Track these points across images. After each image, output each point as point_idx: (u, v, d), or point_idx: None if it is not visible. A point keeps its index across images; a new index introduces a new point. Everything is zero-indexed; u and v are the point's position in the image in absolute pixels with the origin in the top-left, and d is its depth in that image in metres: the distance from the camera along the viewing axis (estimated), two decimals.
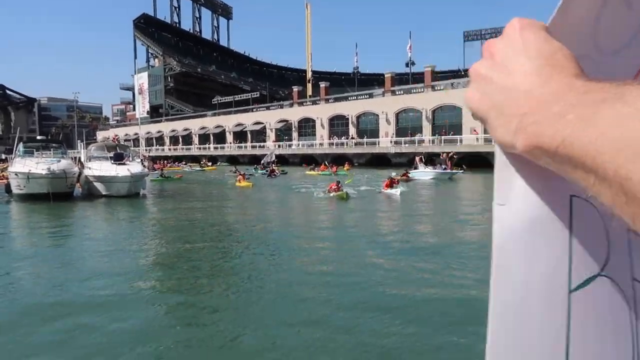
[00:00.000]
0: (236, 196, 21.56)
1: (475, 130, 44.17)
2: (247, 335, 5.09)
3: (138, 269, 8.08)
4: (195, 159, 69.47)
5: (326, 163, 43.23)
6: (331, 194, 18.55)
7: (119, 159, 22.06)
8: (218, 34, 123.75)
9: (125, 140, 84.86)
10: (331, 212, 14.83)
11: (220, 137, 76.44)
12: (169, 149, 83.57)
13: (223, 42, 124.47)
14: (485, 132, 29.26)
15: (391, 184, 19.87)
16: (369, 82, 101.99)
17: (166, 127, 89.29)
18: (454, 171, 30.71)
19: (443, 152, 36.43)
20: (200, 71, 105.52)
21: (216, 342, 4.94)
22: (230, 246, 9.85)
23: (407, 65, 76.27)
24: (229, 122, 75.28)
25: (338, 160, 49.69)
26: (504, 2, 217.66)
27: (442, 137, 45.40)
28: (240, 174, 29.35)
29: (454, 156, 35.17)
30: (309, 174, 36.58)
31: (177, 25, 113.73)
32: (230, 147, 70.91)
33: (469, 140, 43.77)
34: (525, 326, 0.33)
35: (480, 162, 39.51)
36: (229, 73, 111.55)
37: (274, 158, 44.66)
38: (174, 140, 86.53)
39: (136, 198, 20.17)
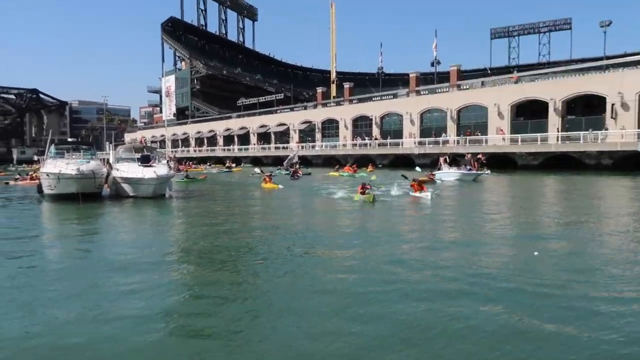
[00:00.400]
0: (261, 198, 21.72)
1: (502, 130, 43.49)
2: (261, 340, 5.16)
3: (163, 267, 8.25)
4: (220, 160, 70.33)
5: (350, 164, 43.19)
6: (358, 197, 17.87)
7: (145, 160, 22.44)
8: (243, 35, 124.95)
9: (152, 142, 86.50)
10: (357, 216, 14.37)
11: (244, 139, 77.20)
12: (194, 150, 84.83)
13: (248, 44, 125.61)
14: (513, 132, 28.79)
15: (420, 186, 19.01)
16: (393, 82, 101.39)
17: (192, 129, 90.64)
18: (479, 172, 30.28)
19: (468, 153, 35.97)
20: (226, 73, 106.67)
21: (233, 343, 5.02)
22: (254, 249, 9.93)
23: (432, 64, 75.67)
24: (253, 123, 75.95)
25: (361, 161, 49.60)
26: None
27: (467, 137, 44.81)
28: (265, 175, 29.32)
29: (482, 158, 34.79)
30: (332, 175, 36.58)
31: (204, 27, 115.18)
32: (254, 149, 71.52)
33: (495, 140, 43.11)
34: None
35: (505, 163, 38.86)
36: (253, 75, 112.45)
37: (297, 159, 44.86)
38: (199, 141, 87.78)
39: (162, 199, 20.53)
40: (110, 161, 25.49)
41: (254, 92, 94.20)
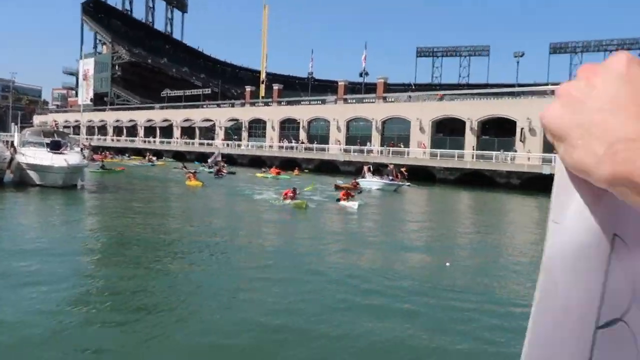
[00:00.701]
0: (183, 195, 20.92)
1: (423, 144, 45.35)
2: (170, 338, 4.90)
3: (66, 268, 7.62)
4: (139, 152, 67.14)
5: (275, 166, 42.98)
6: (287, 202, 17.57)
7: (56, 147, 20.87)
8: (171, 26, 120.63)
9: (64, 127, 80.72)
10: (287, 223, 14.00)
11: (167, 131, 74.29)
12: (112, 139, 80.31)
13: (176, 35, 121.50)
14: (433, 147, 29.95)
15: (347, 195, 19.10)
16: (322, 88, 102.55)
17: (110, 117, 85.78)
18: (399, 183, 31.38)
19: (390, 163, 37.14)
20: (151, 62, 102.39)
21: (140, 343, 4.72)
22: (165, 249, 9.48)
23: (360, 75, 77.35)
24: (177, 116, 73.38)
25: (287, 164, 49.56)
26: (453, 23, 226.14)
27: (391, 148, 46.27)
28: (190, 172, 28.24)
29: (404, 172, 36.12)
30: (258, 176, 36.18)
31: (129, 13, 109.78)
32: (177, 143, 69.09)
33: (416, 153, 44.88)
34: (555, 350, 0.34)
35: (424, 176, 40.64)
36: (180, 67, 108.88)
37: (219, 158, 43.85)
38: (118, 130, 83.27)
39: (73, 190, 19.18)
40: (15, 144, 23.38)
41: (180, 85, 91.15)
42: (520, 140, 40.36)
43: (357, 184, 28.69)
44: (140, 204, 16.88)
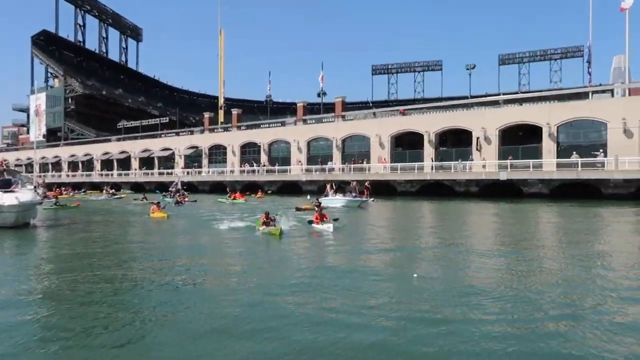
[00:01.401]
0: (146, 229, 20.03)
1: (384, 159, 45.99)
2: None
3: (15, 307, 7.25)
4: (96, 186, 65.31)
5: (239, 191, 42.56)
6: (261, 229, 16.30)
7: (6, 185, 20.08)
8: (126, 55, 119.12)
9: (16, 166, 77.79)
10: (259, 255, 12.73)
11: (124, 163, 72.65)
12: (67, 175, 77.86)
13: (131, 65, 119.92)
14: (393, 161, 30.47)
15: (322, 217, 17.74)
16: (281, 110, 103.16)
17: (64, 152, 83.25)
18: (363, 199, 31.62)
19: (353, 180, 37.44)
20: (106, 94, 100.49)
21: None
22: (125, 289, 9.07)
23: (318, 95, 78.21)
24: (135, 147, 71.97)
25: (249, 187, 49.27)
26: (406, 41, 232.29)
27: (352, 165, 46.74)
28: (154, 204, 26.70)
29: (368, 186, 36.83)
30: (221, 202, 35.67)
31: (82, 44, 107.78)
32: (136, 174, 67.63)
33: (377, 168, 45.45)
34: None
35: (386, 190, 41.16)
36: (136, 97, 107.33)
37: (179, 186, 43.14)
38: (73, 165, 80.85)
39: (25, 229, 18.39)
40: None
41: (137, 115, 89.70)
42: (477, 149, 41.51)
43: (319, 203, 28.56)
44: (96, 239, 16.23)
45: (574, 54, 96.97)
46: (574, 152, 35.91)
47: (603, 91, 42.72)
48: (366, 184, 37.49)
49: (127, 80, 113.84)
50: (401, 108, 52.52)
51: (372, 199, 33.78)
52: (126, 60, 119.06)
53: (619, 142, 34.75)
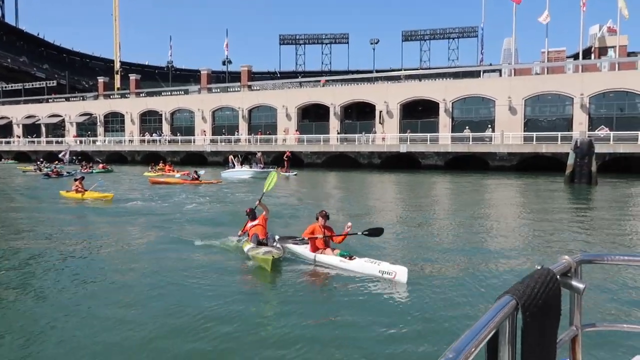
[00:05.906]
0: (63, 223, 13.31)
1: (297, 131, 45.84)
2: None
3: None
4: None
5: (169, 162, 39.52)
6: (249, 251, 9.06)
7: None
8: (2, 9, 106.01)
9: None
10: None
11: (4, 130, 65.60)
12: None
13: (10, 20, 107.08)
14: (300, 133, 30.38)
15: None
16: (184, 77, 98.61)
17: None
18: (270, 170, 31.36)
19: (259, 151, 37.09)
20: None
21: None
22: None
23: (224, 63, 75.79)
24: (18, 112, 65.13)
25: (151, 158, 46.94)
26: (316, 11, 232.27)
27: (258, 136, 46.25)
28: (76, 179, 18.71)
29: (289, 156, 35.42)
30: (148, 176, 30.23)
31: None
32: (19, 142, 61.49)
33: (289, 140, 45.43)
34: None
35: (293, 162, 41.39)
36: (17, 57, 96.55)
37: (67, 156, 39.99)
38: None
39: None
40: None
41: (18, 77, 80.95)
42: (380, 123, 42.99)
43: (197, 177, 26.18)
44: None
45: (469, 34, 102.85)
46: (467, 127, 38.56)
47: (492, 70, 46.14)
48: (285, 156, 35.79)
49: (4, 37, 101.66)
50: (322, 79, 52.46)
51: (294, 172, 32.59)
52: (3, 15, 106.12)
53: (505, 118, 37.89)
